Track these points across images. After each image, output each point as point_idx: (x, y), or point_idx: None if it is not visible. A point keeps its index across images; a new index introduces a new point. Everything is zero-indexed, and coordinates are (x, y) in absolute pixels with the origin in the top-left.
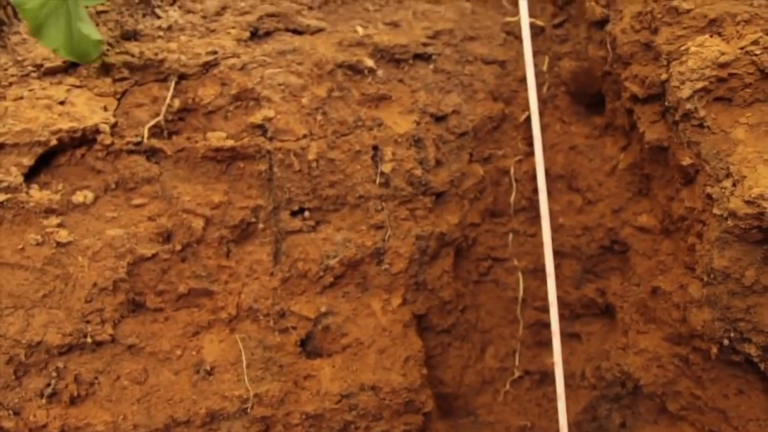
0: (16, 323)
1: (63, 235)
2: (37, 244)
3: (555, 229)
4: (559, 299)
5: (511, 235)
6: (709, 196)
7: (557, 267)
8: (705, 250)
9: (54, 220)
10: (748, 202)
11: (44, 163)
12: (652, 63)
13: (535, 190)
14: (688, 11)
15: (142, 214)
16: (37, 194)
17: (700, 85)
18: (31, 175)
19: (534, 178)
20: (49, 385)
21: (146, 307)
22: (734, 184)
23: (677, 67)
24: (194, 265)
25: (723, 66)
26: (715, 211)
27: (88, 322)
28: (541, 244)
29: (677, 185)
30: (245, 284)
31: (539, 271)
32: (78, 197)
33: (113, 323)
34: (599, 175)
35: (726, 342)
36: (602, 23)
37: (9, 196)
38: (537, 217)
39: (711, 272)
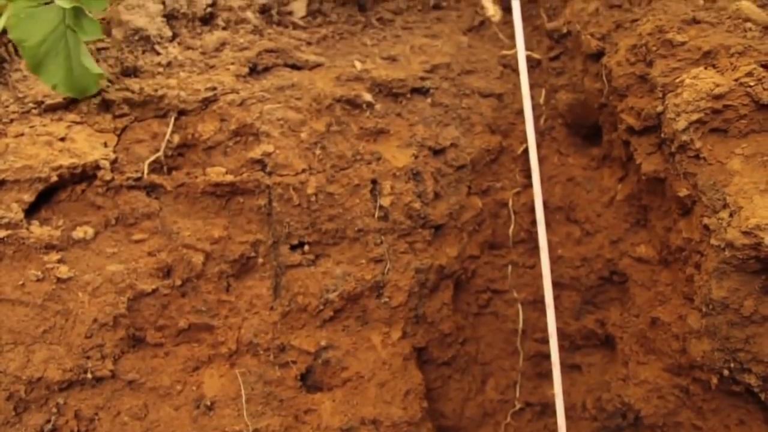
0: (16, 359)
1: (63, 270)
2: (38, 280)
3: (554, 260)
4: (559, 330)
5: (510, 267)
6: (706, 227)
7: (557, 298)
8: (703, 281)
9: (54, 256)
10: (745, 233)
11: (45, 199)
12: (648, 95)
13: (534, 222)
14: (683, 44)
15: (142, 249)
16: (37, 230)
17: (695, 116)
18: (31, 211)
19: (532, 210)
20: (49, 421)
21: (146, 342)
22: (731, 215)
23: (672, 99)
24: (194, 300)
25: (718, 98)
26: (713, 241)
27: (88, 357)
28: (540, 276)
29: (675, 216)
30: (245, 319)
31: (539, 303)
32: (78, 233)
33: (113, 359)
34: (597, 207)
35: (726, 372)
36: (598, 56)
37: (9, 232)
38: (536, 249)
39: (710, 303)
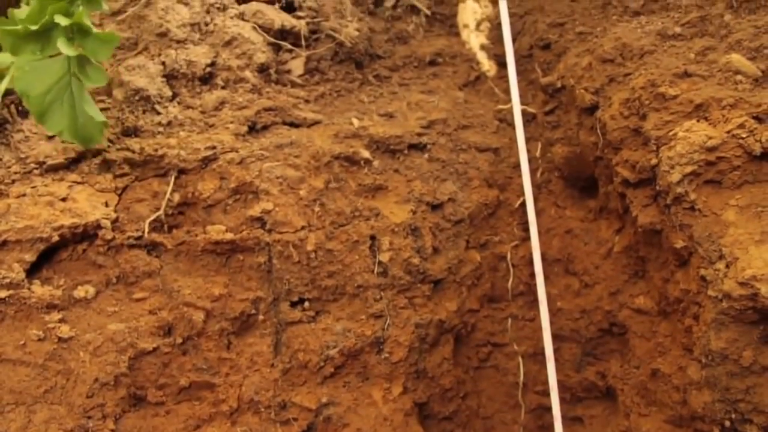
0: (17, 420)
1: (64, 330)
2: (39, 340)
3: (553, 312)
4: (560, 383)
5: (510, 320)
6: (703, 278)
7: (557, 351)
8: (702, 332)
9: (55, 316)
10: (741, 284)
11: (46, 259)
12: (642, 148)
13: (533, 275)
14: (675, 97)
15: (143, 308)
16: (39, 290)
17: (689, 169)
18: (33, 270)
19: (531, 262)
20: None
21: (147, 401)
22: (727, 266)
23: (666, 151)
24: (195, 358)
25: (711, 150)
26: (710, 292)
27: (89, 417)
28: (540, 328)
29: (672, 267)
30: (246, 376)
31: (539, 355)
32: (79, 292)
33: (114, 418)
34: (595, 258)
35: (727, 423)
36: (592, 110)
37: (11, 292)
38: (535, 302)
39: (709, 354)
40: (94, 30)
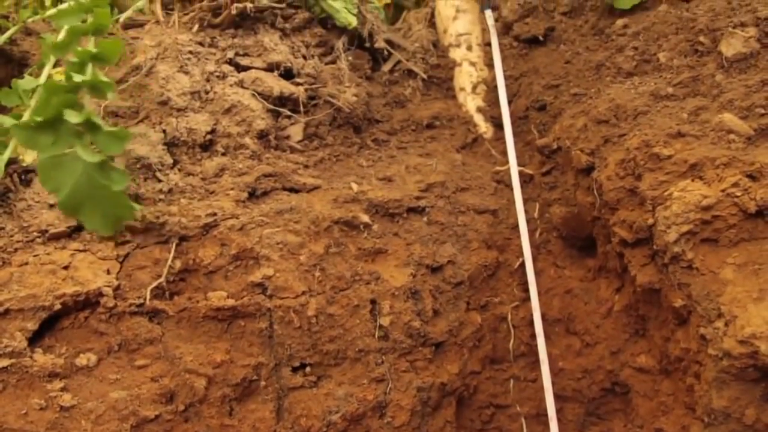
0: None
1: (66, 398)
2: (41, 409)
3: (555, 373)
4: None
5: (512, 382)
6: (703, 337)
7: (560, 411)
8: (704, 391)
9: (57, 384)
10: (741, 342)
11: (48, 327)
12: (639, 208)
13: (534, 335)
14: (669, 157)
15: (144, 375)
16: (41, 358)
17: (685, 228)
18: (34, 338)
19: (532, 323)
20: None
21: None
22: (726, 324)
23: (662, 211)
24: (197, 425)
25: (706, 209)
26: (710, 351)
27: None
28: (542, 389)
29: (672, 326)
30: None
31: (542, 416)
32: (81, 360)
33: None
34: (596, 318)
35: None
36: (588, 170)
37: (13, 360)
38: (537, 362)
39: (711, 413)
40: (105, 127)
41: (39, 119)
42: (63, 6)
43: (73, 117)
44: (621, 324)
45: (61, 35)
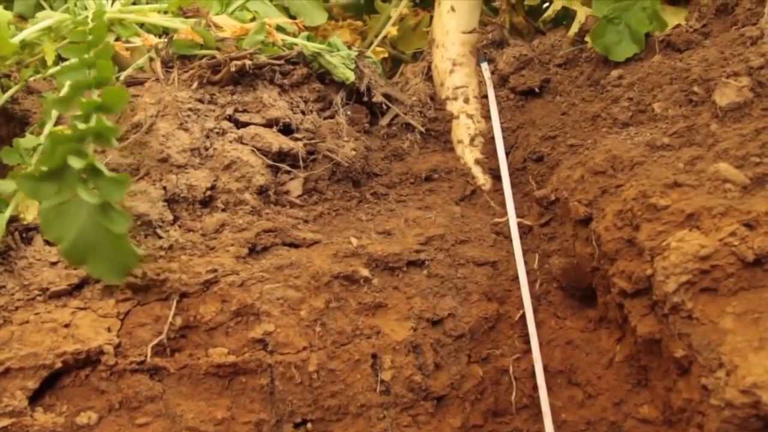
0: None
1: None
2: None
3: (558, 425)
4: None
5: None
6: (704, 387)
7: None
8: None
9: None
10: (743, 392)
11: (48, 385)
12: (637, 258)
13: (536, 388)
14: (666, 207)
15: None
16: (41, 417)
17: (684, 278)
18: (35, 397)
19: (533, 375)
20: None
21: None
22: (728, 374)
23: (660, 262)
24: None
25: (704, 258)
26: (712, 401)
27: None
28: None
29: (674, 376)
30: None
31: None
32: (82, 418)
33: None
34: (597, 369)
35: None
36: (586, 221)
37: (13, 420)
38: (539, 415)
39: None
40: (107, 172)
41: (44, 169)
42: (66, 63)
43: (76, 163)
44: (623, 375)
45: (64, 90)
